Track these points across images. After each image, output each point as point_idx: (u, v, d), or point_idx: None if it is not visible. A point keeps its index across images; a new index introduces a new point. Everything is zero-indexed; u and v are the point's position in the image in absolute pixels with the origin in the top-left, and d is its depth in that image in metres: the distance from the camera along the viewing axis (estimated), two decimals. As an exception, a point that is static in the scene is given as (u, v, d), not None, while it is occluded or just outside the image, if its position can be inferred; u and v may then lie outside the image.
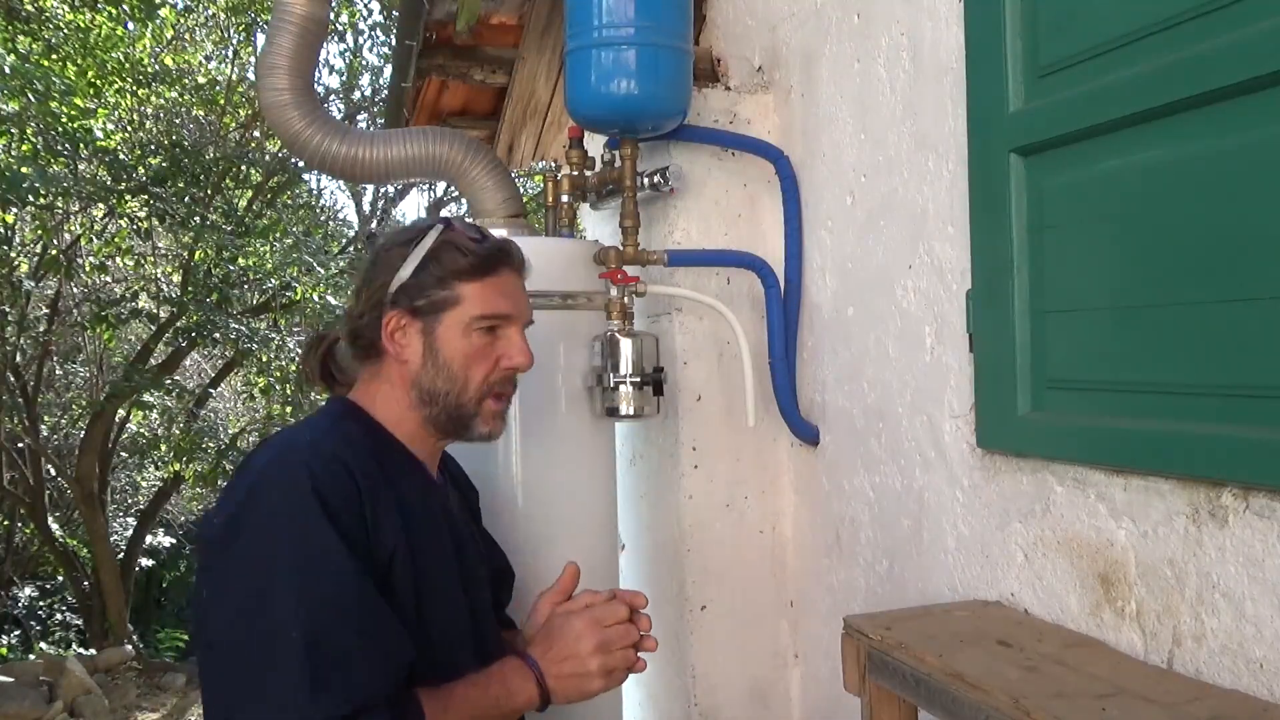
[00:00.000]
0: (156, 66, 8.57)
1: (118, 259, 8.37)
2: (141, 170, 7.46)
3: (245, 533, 1.16)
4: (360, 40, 10.26)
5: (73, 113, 7.06)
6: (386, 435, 1.32)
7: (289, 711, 1.07)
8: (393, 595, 1.19)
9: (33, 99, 6.50)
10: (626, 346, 1.93)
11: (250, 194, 9.15)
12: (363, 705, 1.09)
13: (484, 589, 1.42)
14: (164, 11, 8.39)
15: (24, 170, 6.25)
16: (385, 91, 6.39)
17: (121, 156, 7.44)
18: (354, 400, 1.35)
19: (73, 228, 8.15)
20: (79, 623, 9.58)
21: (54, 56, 7.64)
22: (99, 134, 7.39)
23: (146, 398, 8.31)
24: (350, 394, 1.36)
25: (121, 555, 9.27)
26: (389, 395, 1.33)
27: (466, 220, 1.48)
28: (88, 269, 8.08)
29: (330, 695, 1.08)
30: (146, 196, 7.19)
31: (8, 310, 7.38)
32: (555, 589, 1.38)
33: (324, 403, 1.42)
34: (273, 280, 8.05)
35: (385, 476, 1.25)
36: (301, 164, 8.17)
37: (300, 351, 1.78)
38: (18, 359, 7.97)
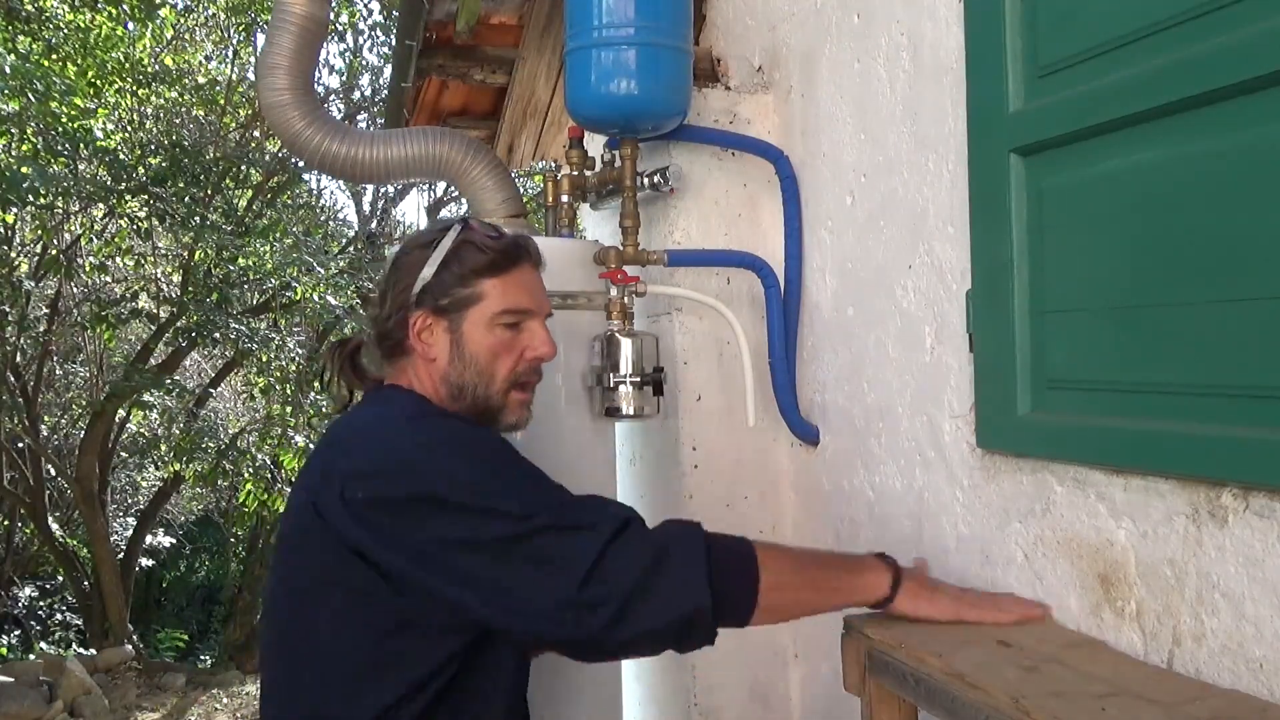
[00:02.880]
0: (156, 66, 8.58)
1: (118, 259, 8.38)
2: (141, 170, 7.47)
3: (419, 475, 1.20)
4: (360, 40, 10.28)
5: (73, 113, 7.06)
6: None
7: (580, 557, 1.16)
8: None
9: (33, 99, 6.50)
10: (626, 346, 1.93)
11: (250, 194, 9.16)
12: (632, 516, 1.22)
13: None
14: (164, 11, 8.40)
15: (24, 170, 6.26)
16: (385, 91, 6.39)
17: (121, 156, 7.44)
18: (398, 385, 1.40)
19: (73, 228, 8.16)
20: (79, 623, 9.59)
21: (54, 56, 7.65)
22: (99, 134, 7.40)
23: (146, 398, 8.33)
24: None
25: (121, 555, 9.28)
26: (420, 389, 1.38)
27: (483, 220, 1.51)
28: (88, 269, 8.08)
29: (605, 520, 1.19)
30: (146, 196, 7.19)
31: (8, 310, 7.38)
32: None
33: (365, 394, 1.46)
34: (273, 280, 8.05)
35: None
36: (301, 164, 8.16)
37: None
38: (18, 359, 7.97)
